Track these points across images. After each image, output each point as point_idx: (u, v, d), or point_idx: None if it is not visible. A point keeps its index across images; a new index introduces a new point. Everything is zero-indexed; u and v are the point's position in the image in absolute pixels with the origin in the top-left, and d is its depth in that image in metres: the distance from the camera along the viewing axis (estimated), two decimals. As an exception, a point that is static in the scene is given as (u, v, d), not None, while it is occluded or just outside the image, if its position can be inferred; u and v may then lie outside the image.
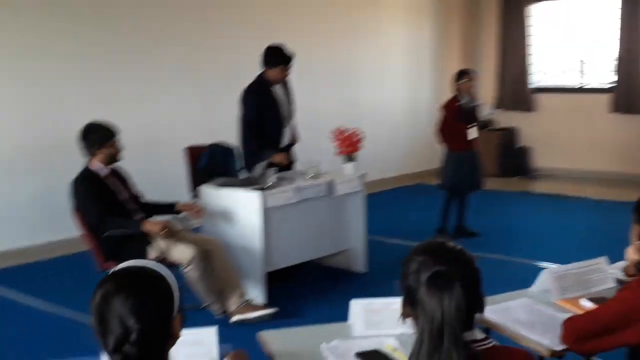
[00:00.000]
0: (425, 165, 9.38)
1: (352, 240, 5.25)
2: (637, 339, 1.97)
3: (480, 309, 1.57)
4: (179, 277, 4.13)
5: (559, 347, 2.13)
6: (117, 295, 1.46)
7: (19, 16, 5.80)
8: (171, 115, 6.91)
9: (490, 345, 1.58)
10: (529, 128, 10.12)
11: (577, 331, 2.07)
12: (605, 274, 2.58)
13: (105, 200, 4.11)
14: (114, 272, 1.55)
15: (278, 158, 5.00)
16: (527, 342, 2.19)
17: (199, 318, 4.20)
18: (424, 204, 7.75)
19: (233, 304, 4.23)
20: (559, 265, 2.64)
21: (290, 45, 8.08)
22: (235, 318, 4.18)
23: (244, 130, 5.09)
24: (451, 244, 1.61)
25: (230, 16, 7.38)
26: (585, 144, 9.62)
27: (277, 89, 5.14)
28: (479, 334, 1.59)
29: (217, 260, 4.26)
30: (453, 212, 6.36)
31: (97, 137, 4.13)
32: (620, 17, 9.10)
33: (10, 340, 4.13)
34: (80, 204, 4.10)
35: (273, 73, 5.03)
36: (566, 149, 9.78)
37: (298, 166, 5.38)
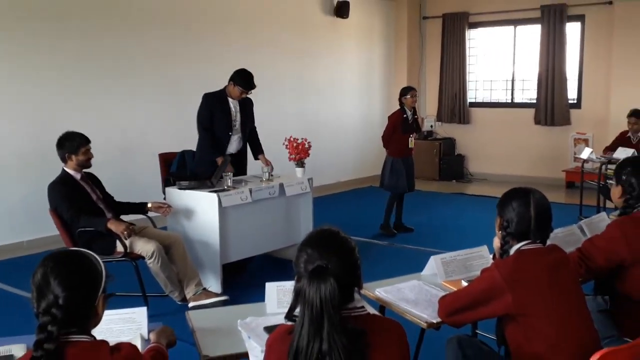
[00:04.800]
0: (377, 170, 9.43)
1: (301, 235, 5.25)
2: (495, 312, 2.08)
3: (359, 286, 1.67)
4: (144, 268, 4.21)
5: (435, 320, 2.23)
6: (52, 269, 1.62)
7: (9, 31, 5.78)
8: (148, 123, 6.88)
9: (364, 312, 1.65)
10: (465, 138, 10.32)
11: (447, 307, 2.18)
12: (486, 260, 2.70)
13: (78, 200, 4.14)
14: (52, 253, 1.69)
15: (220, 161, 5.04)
16: (410, 316, 2.29)
17: (162, 304, 4.26)
18: (373, 203, 7.86)
19: (190, 291, 4.29)
20: (447, 252, 2.75)
21: (261, 62, 8.08)
22: (192, 304, 4.23)
23: (198, 130, 5.15)
24: (340, 234, 1.66)
25: (207, 31, 7.41)
26: (512, 152, 9.85)
27: (234, 103, 5.20)
28: (357, 303, 1.66)
29: (176, 253, 4.32)
30: (394, 210, 6.49)
31: (71, 144, 4.17)
32: (539, 41, 9.38)
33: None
34: (55, 204, 4.13)
35: (232, 89, 5.09)
36: (496, 157, 10.00)
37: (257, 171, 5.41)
